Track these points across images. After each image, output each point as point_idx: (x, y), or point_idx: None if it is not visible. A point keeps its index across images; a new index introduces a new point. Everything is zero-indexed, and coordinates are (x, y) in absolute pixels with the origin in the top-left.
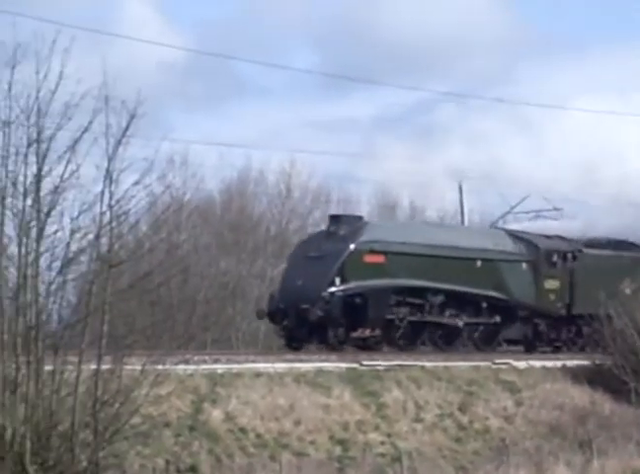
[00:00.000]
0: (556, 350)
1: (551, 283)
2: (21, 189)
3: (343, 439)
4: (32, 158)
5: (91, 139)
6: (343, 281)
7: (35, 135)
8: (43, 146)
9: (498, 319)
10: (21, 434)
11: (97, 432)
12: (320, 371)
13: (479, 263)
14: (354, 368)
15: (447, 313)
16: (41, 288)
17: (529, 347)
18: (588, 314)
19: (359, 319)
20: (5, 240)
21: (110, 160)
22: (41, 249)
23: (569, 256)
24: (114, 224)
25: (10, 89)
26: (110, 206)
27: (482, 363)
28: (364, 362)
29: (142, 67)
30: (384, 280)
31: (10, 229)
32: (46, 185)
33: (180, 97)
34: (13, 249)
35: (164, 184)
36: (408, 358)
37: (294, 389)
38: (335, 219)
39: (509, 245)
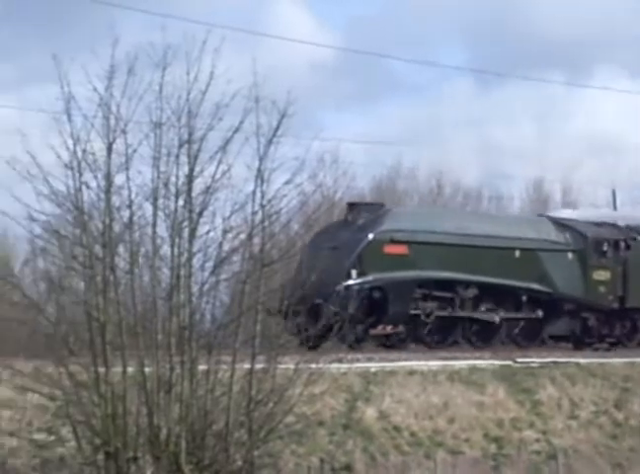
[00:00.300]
0: (612, 346)
1: (601, 274)
2: (173, 189)
3: (497, 437)
4: (183, 159)
5: (242, 139)
6: (360, 274)
7: (186, 136)
8: (195, 147)
9: (540, 314)
10: (176, 434)
11: (251, 431)
12: (474, 369)
13: (517, 253)
14: (508, 366)
15: (483, 308)
16: (194, 288)
17: (578, 343)
18: None
19: (378, 315)
20: (158, 241)
21: (261, 160)
22: (194, 249)
23: (621, 244)
24: (265, 224)
25: (161, 90)
26: (261, 206)
27: (638, 360)
28: (518, 360)
29: (293, 67)
30: (407, 272)
31: (162, 230)
32: (198, 185)
33: (330, 95)
34: (166, 249)
35: (315, 183)
36: (562, 356)
37: (448, 387)
38: (353, 207)
39: (552, 234)
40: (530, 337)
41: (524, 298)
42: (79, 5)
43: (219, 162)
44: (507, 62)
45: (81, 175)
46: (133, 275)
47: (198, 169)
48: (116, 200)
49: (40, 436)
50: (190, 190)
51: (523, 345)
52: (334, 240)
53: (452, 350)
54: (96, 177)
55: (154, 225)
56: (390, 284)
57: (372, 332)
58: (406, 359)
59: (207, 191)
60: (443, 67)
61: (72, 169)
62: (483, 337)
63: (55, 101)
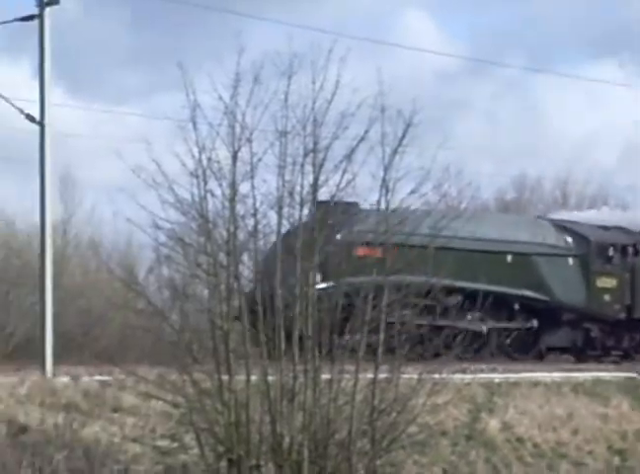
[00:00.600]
0: (624, 358)
1: (606, 281)
2: (297, 198)
3: (621, 449)
4: (308, 168)
5: (367, 148)
6: (326, 278)
7: (311, 145)
8: (320, 156)
9: (535, 324)
10: (298, 443)
11: (374, 440)
12: (598, 381)
13: (510, 257)
14: (632, 378)
15: (469, 316)
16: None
17: (580, 356)
18: None
19: (346, 323)
20: None
21: (386, 169)
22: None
23: (629, 249)
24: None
25: (286, 99)
26: (386, 216)
27: None
28: None
29: (418, 76)
30: (382, 277)
31: None
32: (322, 194)
33: (454, 105)
34: None
35: (440, 193)
36: None
37: (572, 399)
38: (323, 206)
39: (551, 237)
40: (525, 348)
41: (517, 307)
42: (206, 14)
43: (344, 171)
44: None
45: (206, 183)
46: (257, 283)
47: (322, 178)
48: (240, 209)
49: (163, 443)
50: (314, 199)
51: (516, 357)
52: (300, 242)
53: (577, 362)
54: (221, 185)
55: (279, 234)
56: (360, 290)
57: (339, 342)
58: (530, 370)
59: (332, 199)
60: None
61: (197, 177)
62: (469, 348)
63: (181, 109)
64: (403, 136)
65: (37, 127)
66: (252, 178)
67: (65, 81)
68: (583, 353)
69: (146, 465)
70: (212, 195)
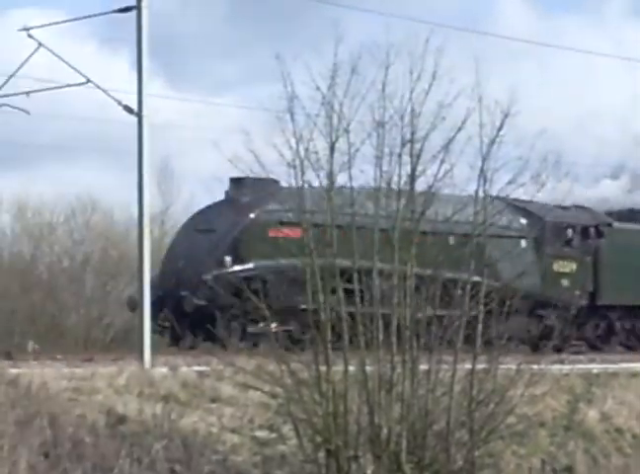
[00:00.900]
0: (593, 348)
1: (563, 266)
2: (395, 188)
3: None
4: (405, 158)
5: (464, 139)
6: (237, 261)
7: (408, 135)
8: (417, 146)
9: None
10: (397, 434)
11: (472, 431)
12: None
13: (452, 239)
14: None
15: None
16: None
17: (535, 346)
18: (621, 305)
19: (259, 310)
20: None
21: (484, 159)
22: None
23: (591, 231)
24: (487, 224)
25: (384, 89)
26: (483, 206)
27: None
28: None
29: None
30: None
31: None
32: (420, 184)
33: None
34: None
35: (538, 183)
36: None
37: None
38: (237, 182)
39: (502, 217)
40: (469, 338)
41: (459, 293)
42: (304, 5)
43: (442, 161)
44: None
45: (303, 174)
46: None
47: (420, 168)
48: (338, 199)
49: (261, 434)
50: (412, 189)
51: (462, 347)
52: (210, 222)
53: None
54: (318, 176)
55: (376, 224)
56: (275, 274)
57: (251, 329)
58: (629, 361)
59: (429, 190)
60: None
61: (295, 168)
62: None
63: (278, 100)
64: (500, 126)
65: (135, 119)
66: (349, 168)
67: (165, 72)
68: (538, 343)
69: (244, 456)
70: (310, 185)
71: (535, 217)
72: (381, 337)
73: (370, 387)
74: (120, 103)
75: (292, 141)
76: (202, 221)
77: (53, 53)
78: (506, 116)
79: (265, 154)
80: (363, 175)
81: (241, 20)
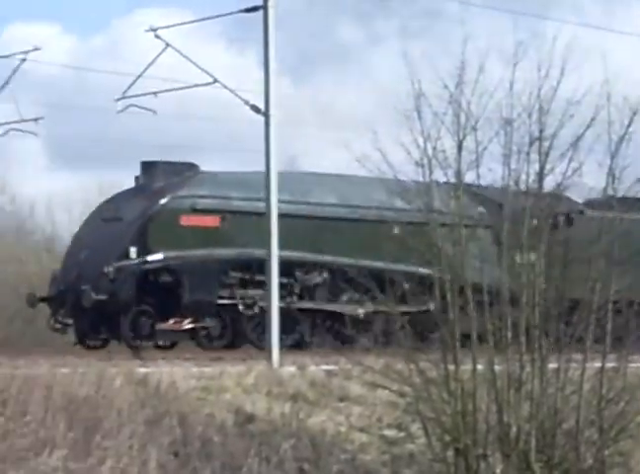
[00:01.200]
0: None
1: (524, 257)
2: (523, 187)
3: None
4: (534, 156)
5: (593, 136)
6: (143, 252)
7: (537, 133)
8: (545, 144)
9: (432, 306)
10: (526, 432)
11: (602, 430)
12: None
13: (397, 228)
14: None
15: (344, 298)
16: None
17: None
18: None
19: (169, 305)
20: None
21: (612, 157)
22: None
23: (559, 220)
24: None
25: (511, 87)
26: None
27: None
28: None
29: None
30: (217, 251)
31: None
32: (548, 183)
33: None
34: None
35: None
36: None
37: None
38: (149, 167)
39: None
40: (420, 335)
41: (407, 287)
42: (427, 2)
43: (570, 159)
44: None
45: (431, 172)
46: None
47: (548, 167)
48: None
49: (389, 433)
50: (540, 187)
51: (411, 345)
52: (117, 210)
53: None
54: (446, 174)
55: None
56: (187, 266)
57: (161, 327)
58: None
59: (558, 188)
60: None
61: (422, 166)
62: (344, 336)
63: (406, 98)
64: (629, 124)
65: (261, 118)
66: (477, 167)
67: (292, 71)
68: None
69: (373, 455)
70: (438, 184)
71: (495, 204)
72: (510, 335)
73: (499, 386)
74: (247, 102)
75: (420, 140)
76: (109, 209)
77: (181, 54)
78: (634, 113)
79: (392, 153)
80: (491, 173)
81: (366, 18)
